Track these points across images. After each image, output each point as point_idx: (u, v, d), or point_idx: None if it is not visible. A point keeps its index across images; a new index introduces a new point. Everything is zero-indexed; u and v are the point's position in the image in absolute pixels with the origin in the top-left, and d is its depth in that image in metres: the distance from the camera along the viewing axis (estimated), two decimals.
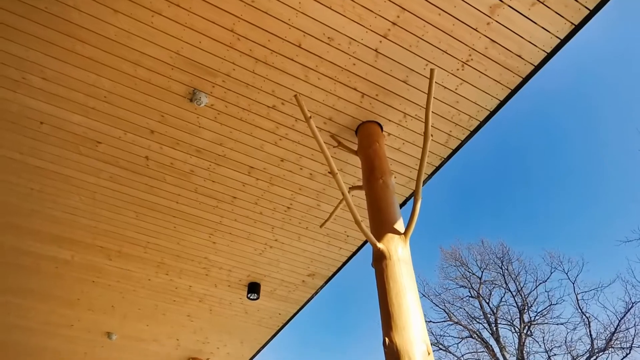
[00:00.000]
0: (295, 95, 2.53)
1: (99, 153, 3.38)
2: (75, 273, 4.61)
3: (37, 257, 4.37)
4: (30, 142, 3.29)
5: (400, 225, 2.35)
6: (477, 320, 15.29)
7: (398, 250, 2.17)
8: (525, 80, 2.87)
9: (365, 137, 3.02)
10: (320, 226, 3.65)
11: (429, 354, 1.80)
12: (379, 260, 2.18)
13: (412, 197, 3.68)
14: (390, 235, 2.25)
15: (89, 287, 4.82)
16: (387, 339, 1.86)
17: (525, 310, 14.52)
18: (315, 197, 3.76)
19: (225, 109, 3.08)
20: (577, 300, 13.68)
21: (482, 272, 16.16)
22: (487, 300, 15.52)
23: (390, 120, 3.15)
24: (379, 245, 2.20)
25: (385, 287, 2.04)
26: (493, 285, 15.76)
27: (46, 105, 3.05)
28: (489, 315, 15.12)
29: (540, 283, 14.86)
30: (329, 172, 3.45)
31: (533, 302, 14.63)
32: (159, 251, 4.33)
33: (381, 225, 2.33)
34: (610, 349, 12.26)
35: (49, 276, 4.64)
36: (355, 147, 3.19)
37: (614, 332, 12.33)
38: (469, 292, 16.18)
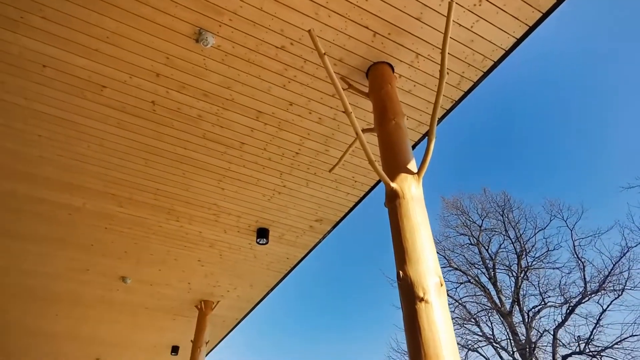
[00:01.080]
0: (309, 31, 2.45)
1: (104, 98, 3.33)
2: (88, 220, 4.70)
3: (50, 205, 4.44)
4: (34, 87, 3.23)
5: (413, 166, 2.36)
6: (476, 266, 15.80)
7: (411, 189, 2.19)
8: (545, 15, 2.76)
9: (377, 78, 2.96)
10: (329, 171, 3.67)
11: (441, 285, 1.87)
12: (392, 199, 2.20)
13: (424, 139, 3.66)
14: (403, 175, 2.26)
15: (102, 234, 4.93)
16: (401, 272, 1.93)
17: (523, 256, 14.96)
18: (324, 142, 3.74)
19: (233, 49, 2.98)
20: (574, 246, 14.05)
21: (483, 220, 16.48)
22: (486, 247, 15.95)
23: (401, 61, 3.06)
24: (393, 184, 2.22)
25: (399, 224, 2.08)
26: (493, 232, 16.12)
27: (48, 47, 2.96)
28: (487, 261, 15.61)
29: (539, 230, 15.20)
30: (342, 111, 3.41)
31: (531, 249, 15.05)
32: (169, 198, 4.39)
33: (394, 165, 2.34)
34: (603, 291, 12.75)
35: (63, 223, 4.74)
36: (366, 90, 3.12)
37: (607, 276, 12.76)
38: (469, 239, 16.59)
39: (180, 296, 6.46)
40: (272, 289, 6.29)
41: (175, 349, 8.48)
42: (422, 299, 1.77)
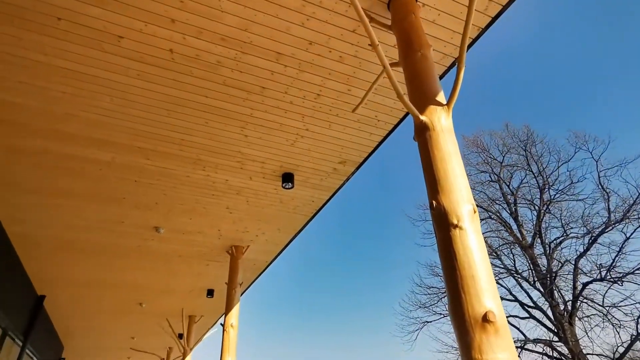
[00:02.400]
0: None
1: (122, 49, 3.30)
2: (118, 174, 4.85)
3: (81, 161, 4.57)
4: (52, 42, 3.21)
5: (441, 97, 2.31)
6: (497, 202, 15.85)
7: (441, 121, 2.17)
8: None
9: (400, 9, 2.82)
10: (353, 111, 3.64)
11: (474, 212, 1.90)
12: (422, 132, 2.19)
13: (448, 72, 3.55)
14: (432, 107, 2.23)
15: (132, 187, 5.10)
16: (434, 202, 1.96)
17: (546, 190, 14.88)
18: (346, 81, 3.67)
19: None
20: (599, 177, 13.84)
21: (504, 156, 16.27)
22: (508, 183, 15.88)
23: None
24: (422, 117, 2.20)
25: (430, 156, 2.09)
26: (514, 168, 15.97)
27: None
28: (508, 197, 15.61)
29: (563, 163, 14.97)
30: (364, 48, 3.31)
31: (554, 182, 14.91)
32: (194, 148, 4.46)
33: (422, 97, 2.30)
34: (627, 220, 12.70)
35: (95, 178, 4.91)
36: (388, 22, 3.00)
37: (632, 204, 12.65)
38: (489, 176, 16.51)
39: (211, 243, 6.76)
40: (299, 232, 6.50)
41: (210, 292, 9.01)
42: (456, 226, 1.82)
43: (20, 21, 3.05)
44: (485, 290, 1.64)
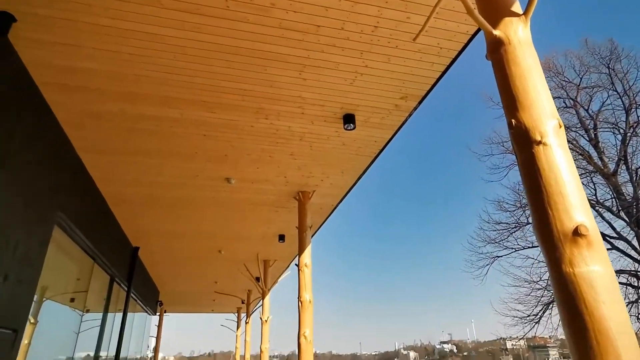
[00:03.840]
0: None
1: (178, 2, 3.33)
2: (187, 129, 5.11)
3: (153, 120, 4.86)
4: (115, 4, 3.32)
5: (517, 7, 2.10)
6: (573, 129, 14.59)
7: (518, 33, 1.99)
8: None
9: None
10: (414, 39, 3.45)
11: (560, 126, 1.78)
12: (496, 48, 2.03)
13: None
14: (507, 19, 2.04)
15: (202, 141, 5.37)
16: (513, 121, 1.85)
17: (632, 110, 13.37)
18: (404, 8, 3.45)
19: None
20: None
21: (581, 77, 14.72)
22: (586, 107, 14.47)
23: None
24: (495, 32, 2.03)
25: (507, 73, 1.94)
26: (594, 89, 14.43)
27: None
28: (586, 122, 14.28)
29: None
30: None
31: None
32: (255, 97, 4.54)
33: (495, 9, 2.10)
34: None
35: (167, 135, 5.22)
36: None
37: None
38: (564, 102, 15.11)
39: (279, 190, 7.04)
40: (362, 174, 6.54)
41: (282, 237, 9.53)
42: (539, 142, 1.72)
43: None
44: (575, 206, 1.56)
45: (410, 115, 4.96)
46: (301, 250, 6.62)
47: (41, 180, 4.40)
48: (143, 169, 6.11)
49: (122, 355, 9.89)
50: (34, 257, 4.32)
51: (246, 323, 15.96)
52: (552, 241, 1.53)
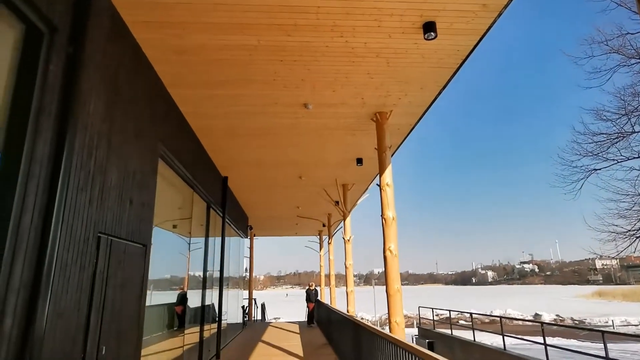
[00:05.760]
0: None
1: None
2: (265, 56, 5.15)
3: (231, 49, 4.96)
4: None
5: None
6: None
7: None
8: None
9: None
10: None
11: None
12: None
13: None
14: None
15: (279, 66, 5.41)
16: None
17: None
18: None
19: None
20: None
21: None
22: None
23: None
24: None
25: None
26: None
27: None
28: None
29: None
30: None
31: None
32: (329, 13, 4.37)
33: None
34: None
35: (245, 64, 5.32)
36: None
37: None
38: None
39: (356, 112, 6.99)
40: (443, 88, 6.20)
41: (359, 160, 9.64)
42: None
43: None
44: None
45: (499, 14, 4.47)
46: (382, 170, 6.68)
47: (144, 114, 4.82)
48: (225, 100, 6.39)
49: (225, 275, 11.23)
50: (149, 183, 4.90)
51: (329, 244, 16.98)
52: None
